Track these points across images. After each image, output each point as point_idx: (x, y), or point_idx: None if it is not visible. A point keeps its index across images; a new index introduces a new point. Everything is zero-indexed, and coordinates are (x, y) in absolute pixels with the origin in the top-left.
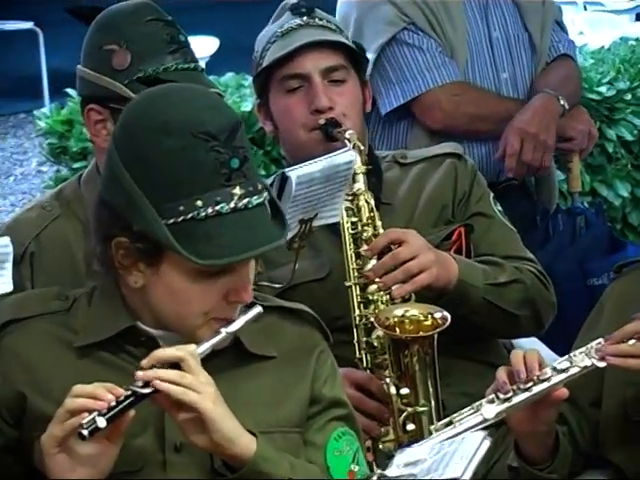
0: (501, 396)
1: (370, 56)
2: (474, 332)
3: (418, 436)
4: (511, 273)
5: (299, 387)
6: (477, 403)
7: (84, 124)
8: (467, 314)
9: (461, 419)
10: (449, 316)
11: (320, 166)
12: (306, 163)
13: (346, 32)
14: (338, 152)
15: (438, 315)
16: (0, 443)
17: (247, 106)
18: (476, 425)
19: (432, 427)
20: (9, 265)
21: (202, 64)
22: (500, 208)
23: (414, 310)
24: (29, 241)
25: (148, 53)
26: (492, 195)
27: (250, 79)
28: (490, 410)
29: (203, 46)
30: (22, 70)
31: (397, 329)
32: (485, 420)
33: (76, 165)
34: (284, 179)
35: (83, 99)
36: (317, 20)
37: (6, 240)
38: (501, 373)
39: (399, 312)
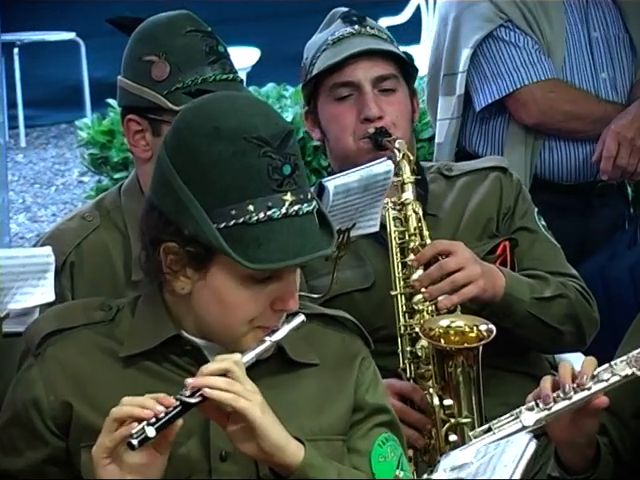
0: (541, 404)
1: (466, 52)
2: (516, 344)
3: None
4: (556, 288)
5: (342, 394)
6: (517, 410)
7: (125, 134)
8: (511, 327)
9: (500, 426)
10: (494, 329)
11: (357, 176)
12: (343, 173)
13: (445, 31)
14: (376, 162)
15: (483, 327)
16: (45, 453)
17: (288, 116)
18: (515, 432)
19: (471, 433)
20: (51, 275)
21: (243, 75)
22: (544, 223)
23: (460, 321)
24: (70, 251)
25: (187, 64)
26: (536, 210)
27: (291, 90)
28: (529, 417)
29: (244, 57)
30: (64, 81)
31: (442, 340)
32: (524, 427)
33: (117, 175)
34: (321, 189)
35: (123, 109)
36: (368, 29)
37: (48, 250)
38: (546, 383)
39: (444, 323)
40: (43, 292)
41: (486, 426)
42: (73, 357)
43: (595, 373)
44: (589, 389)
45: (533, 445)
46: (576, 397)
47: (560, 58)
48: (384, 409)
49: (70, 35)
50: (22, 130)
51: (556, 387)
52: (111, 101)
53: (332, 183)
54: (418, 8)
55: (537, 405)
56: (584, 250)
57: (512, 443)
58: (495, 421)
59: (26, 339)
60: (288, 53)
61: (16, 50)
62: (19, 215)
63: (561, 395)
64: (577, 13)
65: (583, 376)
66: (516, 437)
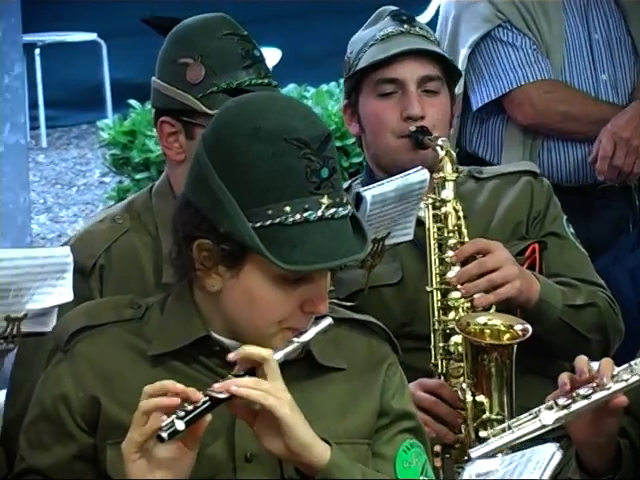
0: (560, 403)
1: (464, 52)
2: (543, 349)
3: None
4: (587, 296)
5: (368, 399)
6: (536, 409)
7: (157, 135)
8: (542, 332)
9: (519, 424)
10: (530, 328)
11: (394, 185)
12: (380, 183)
13: (445, 31)
14: (411, 171)
15: (519, 327)
16: (74, 449)
17: None
18: (534, 431)
19: (489, 431)
20: (69, 275)
21: None
22: (573, 230)
23: (496, 320)
24: (99, 254)
25: (222, 68)
26: (565, 217)
27: (312, 90)
28: (548, 416)
29: (265, 57)
30: (85, 81)
31: (476, 336)
32: (543, 426)
33: (138, 176)
34: (359, 199)
35: (156, 111)
36: (417, 29)
37: (66, 250)
38: (563, 376)
39: (481, 320)
40: (61, 292)
41: (505, 424)
42: (102, 354)
43: (615, 373)
44: (608, 389)
45: (559, 455)
46: (595, 397)
47: (559, 59)
48: (410, 415)
49: (92, 36)
50: (43, 131)
51: (573, 381)
52: (132, 102)
53: (370, 193)
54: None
55: (556, 404)
56: (587, 252)
57: (538, 452)
58: (514, 420)
59: (55, 336)
60: (309, 54)
61: (37, 51)
62: (40, 215)
63: (580, 392)
64: (577, 14)
65: (603, 376)
66: (542, 447)
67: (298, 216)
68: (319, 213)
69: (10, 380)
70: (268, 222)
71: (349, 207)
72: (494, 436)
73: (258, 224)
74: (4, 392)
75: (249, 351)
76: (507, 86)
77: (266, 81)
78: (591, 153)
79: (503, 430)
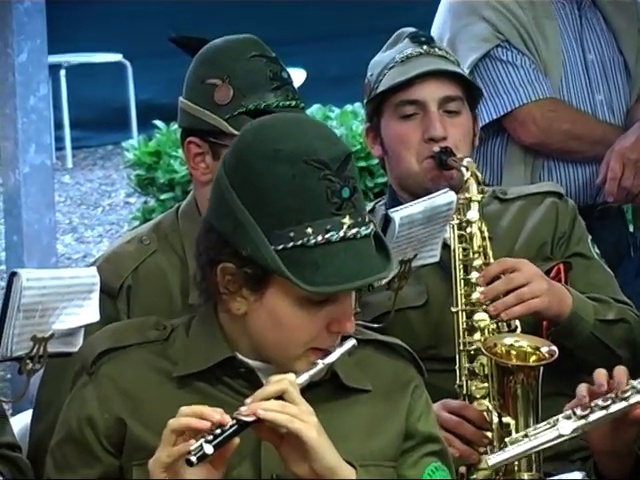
0: (578, 412)
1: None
2: (569, 369)
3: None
4: (618, 312)
5: (393, 421)
6: (554, 418)
7: (183, 155)
8: (573, 348)
9: (537, 433)
10: (557, 350)
11: (422, 207)
12: (407, 205)
13: None
14: (439, 193)
15: (545, 349)
16: (99, 472)
17: None
18: (551, 440)
19: (507, 439)
20: (96, 295)
21: None
22: (598, 251)
23: (523, 341)
24: (127, 275)
25: (250, 89)
26: (590, 237)
27: (337, 111)
28: (566, 426)
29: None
30: (110, 102)
31: (502, 358)
32: (560, 435)
33: (163, 196)
34: (387, 220)
35: (183, 131)
36: (437, 50)
37: (93, 271)
38: (582, 388)
39: (508, 341)
40: (88, 312)
41: (522, 432)
42: (127, 375)
43: (635, 384)
44: (627, 399)
45: None
46: (614, 407)
47: (557, 78)
48: (435, 438)
49: (117, 57)
50: (69, 151)
51: (592, 393)
52: (157, 122)
53: (398, 214)
54: None
55: (574, 414)
56: None
57: None
58: (532, 428)
59: (80, 357)
60: (334, 74)
61: (63, 72)
62: (66, 236)
63: (599, 403)
64: (572, 35)
65: (620, 386)
66: (569, 475)
67: (320, 237)
68: (341, 233)
69: (36, 401)
70: (290, 244)
71: (371, 226)
72: (512, 444)
73: (280, 247)
74: (30, 412)
75: (264, 394)
76: (509, 105)
77: (294, 103)
78: (592, 174)
79: (521, 438)
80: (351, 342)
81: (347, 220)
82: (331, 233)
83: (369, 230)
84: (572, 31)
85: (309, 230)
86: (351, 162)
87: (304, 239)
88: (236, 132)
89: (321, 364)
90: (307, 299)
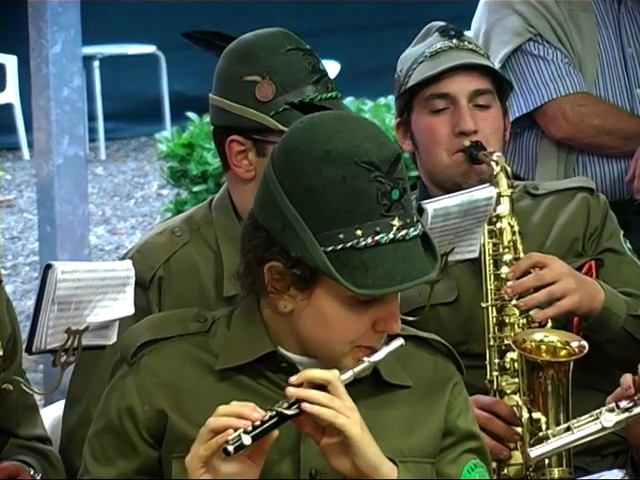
0: (622, 405)
1: (496, 66)
2: (600, 364)
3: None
4: None
5: (433, 417)
6: (597, 411)
7: (216, 150)
8: (604, 342)
9: (579, 426)
10: (587, 345)
11: (458, 200)
12: (444, 197)
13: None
14: (478, 188)
15: (575, 344)
16: (137, 463)
17: None
18: (594, 433)
19: (550, 432)
20: (131, 288)
21: None
22: (630, 246)
23: (553, 336)
24: (158, 266)
25: (291, 84)
26: (622, 233)
27: (370, 103)
28: (609, 419)
29: None
30: (144, 94)
31: (532, 353)
32: (604, 428)
33: (196, 188)
34: (420, 210)
35: (221, 129)
36: (466, 43)
37: (128, 264)
38: (627, 378)
39: (538, 336)
40: (123, 305)
41: (565, 425)
42: (168, 367)
43: None
44: None
45: None
46: None
47: (592, 72)
48: (474, 435)
49: (151, 48)
50: (102, 143)
51: (636, 384)
52: (190, 114)
53: (432, 206)
54: None
55: (618, 407)
56: None
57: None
58: (575, 421)
59: (121, 348)
60: (367, 67)
61: (96, 63)
62: (98, 227)
63: None
64: (610, 28)
65: None
66: (609, 474)
67: (370, 239)
68: (390, 235)
69: (68, 392)
70: (340, 246)
71: (420, 226)
72: (554, 436)
73: (330, 248)
74: (62, 403)
75: (311, 375)
76: (539, 99)
77: (333, 94)
78: (627, 168)
79: (564, 431)
80: (399, 342)
81: (396, 222)
82: (381, 235)
83: (417, 231)
84: (610, 24)
85: (359, 232)
86: (401, 163)
87: (354, 241)
88: (284, 128)
89: (367, 362)
90: (354, 299)
